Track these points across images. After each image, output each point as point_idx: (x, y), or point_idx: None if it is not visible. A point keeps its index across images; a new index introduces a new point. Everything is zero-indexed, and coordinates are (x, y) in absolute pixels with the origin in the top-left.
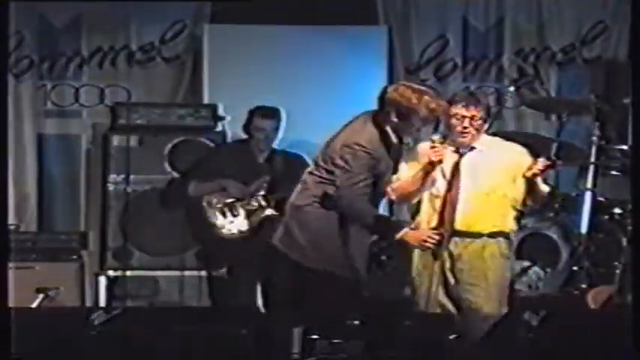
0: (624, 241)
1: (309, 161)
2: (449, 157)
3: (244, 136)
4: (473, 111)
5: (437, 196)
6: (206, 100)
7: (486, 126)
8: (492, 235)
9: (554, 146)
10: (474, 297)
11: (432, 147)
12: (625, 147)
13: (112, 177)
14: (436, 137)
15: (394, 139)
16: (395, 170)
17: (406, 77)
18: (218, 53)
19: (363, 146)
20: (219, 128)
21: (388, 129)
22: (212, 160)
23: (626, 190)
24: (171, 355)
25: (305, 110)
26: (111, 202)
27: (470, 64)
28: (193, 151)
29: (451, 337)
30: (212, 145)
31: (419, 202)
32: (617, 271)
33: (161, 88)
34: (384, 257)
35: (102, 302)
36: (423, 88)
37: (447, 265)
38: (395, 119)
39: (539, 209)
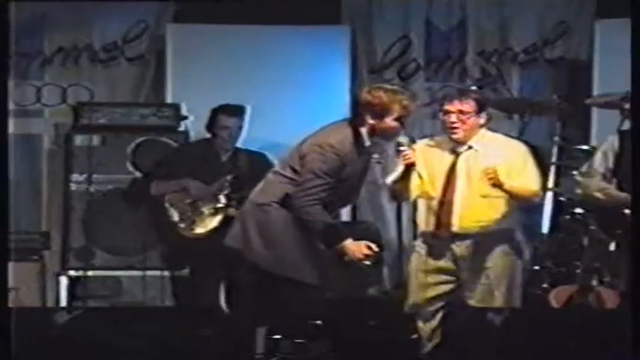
0: (585, 241)
1: (273, 160)
2: (446, 157)
3: (208, 135)
4: (458, 105)
5: (433, 198)
6: (169, 99)
7: (481, 121)
8: (493, 234)
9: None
10: (479, 295)
11: (399, 151)
12: (586, 147)
13: (75, 177)
14: (403, 139)
15: (367, 142)
16: (361, 176)
17: (369, 77)
18: (181, 53)
19: (333, 146)
20: (182, 128)
21: (363, 132)
22: (175, 159)
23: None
24: (134, 355)
25: (268, 110)
26: (73, 202)
27: (433, 65)
28: (156, 150)
29: (414, 337)
30: (175, 144)
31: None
32: (579, 271)
33: (124, 87)
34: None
35: (63, 302)
36: (395, 87)
37: (451, 265)
38: (371, 121)
39: None
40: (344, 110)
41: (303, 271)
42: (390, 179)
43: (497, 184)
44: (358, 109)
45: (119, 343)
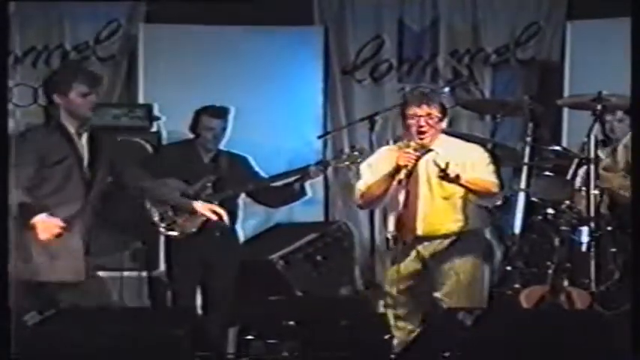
0: (557, 241)
1: (253, 162)
2: (410, 161)
3: (191, 136)
4: (426, 109)
5: (396, 202)
6: (141, 100)
7: (443, 125)
8: (459, 235)
9: (489, 147)
10: (446, 297)
11: (403, 150)
12: (558, 148)
13: None
14: (402, 143)
15: (70, 127)
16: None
17: (342, 77)
18: (153, 53)
19: None
20: (154, 128)
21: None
22: (157, 159)
23: (559, 190)
24: (105, 356)
25: (241, 110)
26: None
27: (405, 65)
28: (128, 151)
29: (386, 337)
30: (147, 145)
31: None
32: (550, 271)
33: None
34: (319, 257)
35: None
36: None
37: (418, 267)
38: (59, 101)
39: None
40: (317, 111)
41: None
42: (359, 184)
43: (451, 180)
44: None
45: (92, 344)
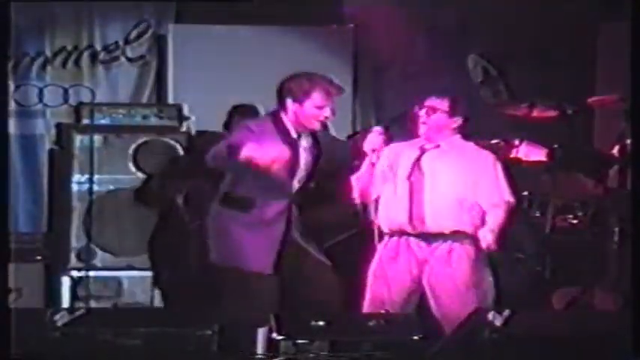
0: (587, 242)
1: None
2: (412, 154)
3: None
4: (430, 102)
5: (398, 195)
6: (170, 100)
7: (456, 123)
8: (456, 237)
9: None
10: (443, 300)
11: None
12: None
13: (76, 177)
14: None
15: (293, 133)
16: (296, 166)
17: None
18: (182, 53)
19: None
20: (183, 128)
21: (286, 121)
22: (190, 158)
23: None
24: (135, 357)
25: (269, 109)
26: (74, 203)
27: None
28: (158, 151)
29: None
30: (177, 145)
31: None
32: (580, 273)
33: (125, 87)
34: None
35: (65, 303)
36: (317, 74)
37: (414, 269)
38: (292, 108)
39: None
40: (347, 108)
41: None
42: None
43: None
44: (281, 98)
45: (121, 344)
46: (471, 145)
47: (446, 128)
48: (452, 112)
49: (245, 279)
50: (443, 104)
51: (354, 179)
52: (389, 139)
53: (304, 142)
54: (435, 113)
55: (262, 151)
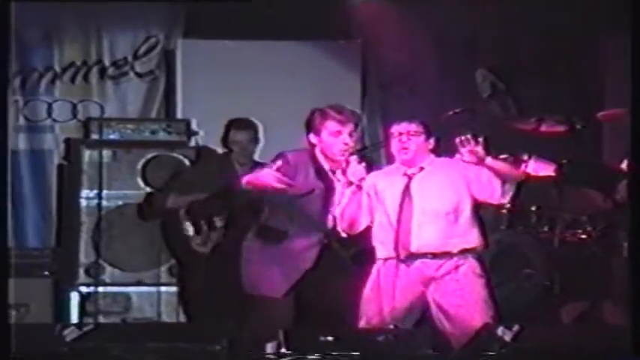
0: (595, 257)
1: None
2: (398, 181)
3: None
4: (407, 127)
5: (388, 223)
6: (179, 115)
7: (430, 145)
8: (462, 254)
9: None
10: (450, 316)
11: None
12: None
13: (85, 192)
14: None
15: (325, 164)
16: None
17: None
18: (191, 68)
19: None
20: (192, 143)
21: (318, 154)
22: (192, 172)
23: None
24: None
25: (279, 124)
26: (83, 218)
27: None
28: (166, 166)
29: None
30: (185, 160)
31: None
32: (588, 287)
33: (134, 103)
34: None
35: (74, 318)
36: (328, 106)
37: (419, 287)
38: (314, 141)
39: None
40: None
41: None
42: (338, 209)
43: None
44: (307, 133)
45: (129, 359)
46: (445, 159)
47: (424, 151)
48: (427, 135)
49: (262, 304)
50: (418, 127)
51: (337, 211)
52: (369, 167)
53: (340, 177)
54: (413, 136)
55: (296, 182)
